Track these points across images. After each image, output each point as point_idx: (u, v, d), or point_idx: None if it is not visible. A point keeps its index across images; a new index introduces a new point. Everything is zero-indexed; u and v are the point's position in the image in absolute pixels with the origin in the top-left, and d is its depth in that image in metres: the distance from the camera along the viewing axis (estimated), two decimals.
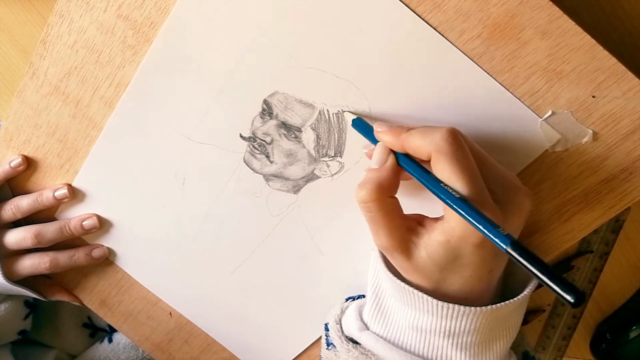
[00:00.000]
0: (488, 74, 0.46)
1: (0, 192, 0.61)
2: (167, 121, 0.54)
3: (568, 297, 0.33)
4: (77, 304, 0.66)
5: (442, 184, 0.40)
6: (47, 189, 0.60)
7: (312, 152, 0.52)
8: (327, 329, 0.53)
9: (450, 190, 0.39)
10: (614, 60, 0.43)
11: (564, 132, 0.47)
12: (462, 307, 0.43)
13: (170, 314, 0.64)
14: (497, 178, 0.43)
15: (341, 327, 0.51)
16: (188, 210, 0.57)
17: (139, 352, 0.70)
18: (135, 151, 0.56)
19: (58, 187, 0.59)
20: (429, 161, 0.42)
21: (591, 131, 0.46)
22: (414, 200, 0.49)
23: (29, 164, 0.59)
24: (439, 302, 0.43)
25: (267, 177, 0.54)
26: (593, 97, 0.45)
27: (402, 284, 0.44)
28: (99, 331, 0.73)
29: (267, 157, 0.53)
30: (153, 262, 0.62)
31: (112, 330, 0.72)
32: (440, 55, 0.46)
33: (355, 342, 0.49)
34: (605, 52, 0.43)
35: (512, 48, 0.45)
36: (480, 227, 0.38)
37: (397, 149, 0.44)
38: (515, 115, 0.47)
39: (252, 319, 0.61)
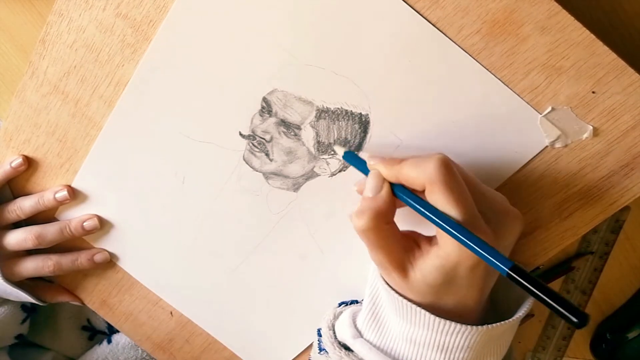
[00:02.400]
0: (487, 70, 0.46)
1: (1, 193, 0.61)
2: (166, 120, 0.54)
3: (572, 318, 0.34)
4: (77, 304, 0.66)
5: (438, 212, 0.41)
6: (48, 190, 0.60)
7: (312, 149, 0.52)
8: (319, 334, 0.53)
9: (447, 218, 0.40)
10: (613, 55, 0.43)
11: (563, 128, 0.46)
12: (458, 325, 0.43)
13: (171, 313, 0.64)
14: (487, 201, 0.44)
15: (334, 333, 0.52)
16: (188, 209, 0.57)
17: (138, 353, 0.70)
18: (135, 150, 0.56)
19: (58, 189, 0.59)
20: (422, 191, 0.42)
21: (591, 127, 0.46)
22: (409, 219, 0.49)
23: (29, 163, 0.59)
24: (436, 318, 0.43)
25: (267, 175, 0.54)
26: (593, 92, 0.45)
27: (400, 297, 0.45)
28: (98, 333, 0.73)
29: (267, 155, 0.53)
30: (153, 262, 0.61)
31: (111, 332, 0.72)
32: (439, 51, 0.46)
33: (347, 348, 0.50)
34: (605, 48, 0.43)
35: (512, 44, 0.44)
36: (481, 251, 0.38)
37: (390, 179, 0.44)
38: (514, 111, 0.46)
39: (253, 318, 0.61)
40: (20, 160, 0.59)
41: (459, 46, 0.45)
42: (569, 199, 0.49)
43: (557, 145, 0.47)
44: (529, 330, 0.72)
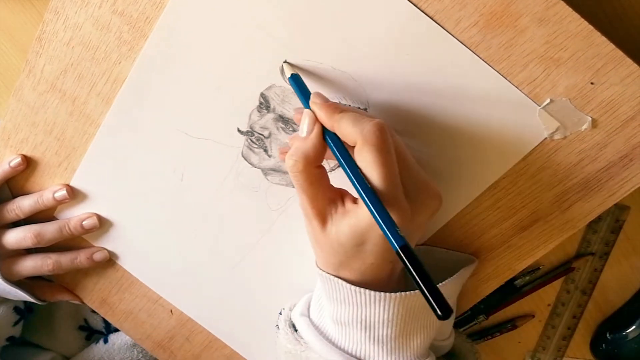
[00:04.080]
0: (485, 62, 0.45)
1: (0, 192, 0.61)
2: (164, 116, 0.54)
3: (438, 311, 0.36)
4: (77, 302, 0.66)
5: (359, 172, 0.41)
6: (47, 189, 0.60)
7: None
8: (280, 313, 0.54)
9: (366, 180, 0.41)
10: (612, 46, 0.43)
11: (562, 119, 0.46)
12: (372, 292, 0.44)
13: (171, 311, 0.64)
14: (412, 176, 0.44)
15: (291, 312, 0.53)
16: (187, 206, 0.57)
17: (134, 353, 0.70)
18: (133, 147, 0.56)
19: (57, 189, 0.59)
20: (353, 147, 0.42)
21: (590, 118, 0.46)
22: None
23: (28, 162, 0.59)
24: (350, 285, 0.44)
25: (266, 171, 0.54)
26: (591, 83, 0.45)
27: (318, 269, 0.47)
28: (95, 333, 0.73)
29: (265, 151, 0.53)
30: (153, 260, 0.61)
31: (108, 332, 0.72)
32: (437, 44, 0.46)
33: (297, 329, 0.51)
34: (603, 38, 0.43)
35: (509, 36, 0.44)
36: (381, 222, 0.39)
37: (327, 127, 0.44)
38: (513, 103, 0.46)
39: (253, 315, 0.61)
40: (19, 159, 0.58)
41: (457, 39, 0.45)
42: (568, 190, 0.49)
43: (556, 137, 0.47)
44: (529, 330, 0.72)
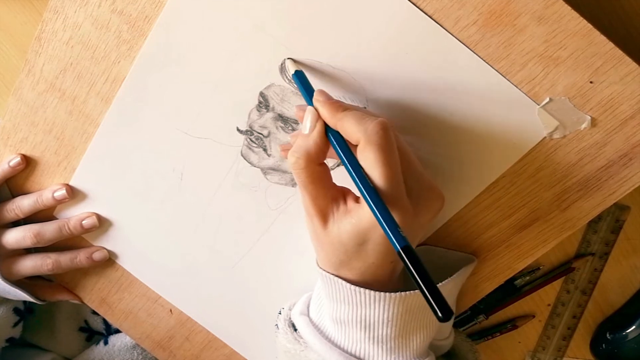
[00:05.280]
0: (485, 61, 0.45)
1: (0, 192, 0.61)
2: (163, 116, 0.54)
3: (438, 312, 0.36)
4: (77, 302, 0.66)
5: (362, 171, 0.41)
6: (46, 189, 0.60)
7: None
8: (279, 313, 0.54)
9: (368, 179, 0.40)
10: (611, 44, 0.43)
11: (562, 118, 0.46)
12: (371, 292, 0.44)
13: (171, 311, 0.64)
14: (415, 176, 0.44)
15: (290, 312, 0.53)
16: (186, 205, 0.57)
17: (134, 355, 0.70)
18: (133, 147, 0.56)
19: (57, 188, 0.59)
20: (356, 146, 0.42)
21: (589, 117, 0.46)
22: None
23: (27, 162, 0.59)
24: (350, 285, 0.44)
25: (265, 171, 0.54)
26: (591, 82, 0.45)
27: (318, 268, 0.46)
28: (96, 334, 0.73)
29: (265, 150, 0.53)
30: (152, 259, 0.61)
31: (109, 334, 0.72)
32: (436, 43, 0.45)
33: (296, 328, 0.51)
34: (603, 37, 0.43)
35: (508, 35, 0.44)
36: (383, 222, 0.39)
37: (329, 124, 0.44)
38: (512, 102, 0.46)
39: (253, 314, 0.61)
40: (18, 159, 0.58)
41: (456, 38, 0.45)
42: (568, 190, 0.49)
43: (556, 136, 0.47)
44: (529, 330, 0.72)
